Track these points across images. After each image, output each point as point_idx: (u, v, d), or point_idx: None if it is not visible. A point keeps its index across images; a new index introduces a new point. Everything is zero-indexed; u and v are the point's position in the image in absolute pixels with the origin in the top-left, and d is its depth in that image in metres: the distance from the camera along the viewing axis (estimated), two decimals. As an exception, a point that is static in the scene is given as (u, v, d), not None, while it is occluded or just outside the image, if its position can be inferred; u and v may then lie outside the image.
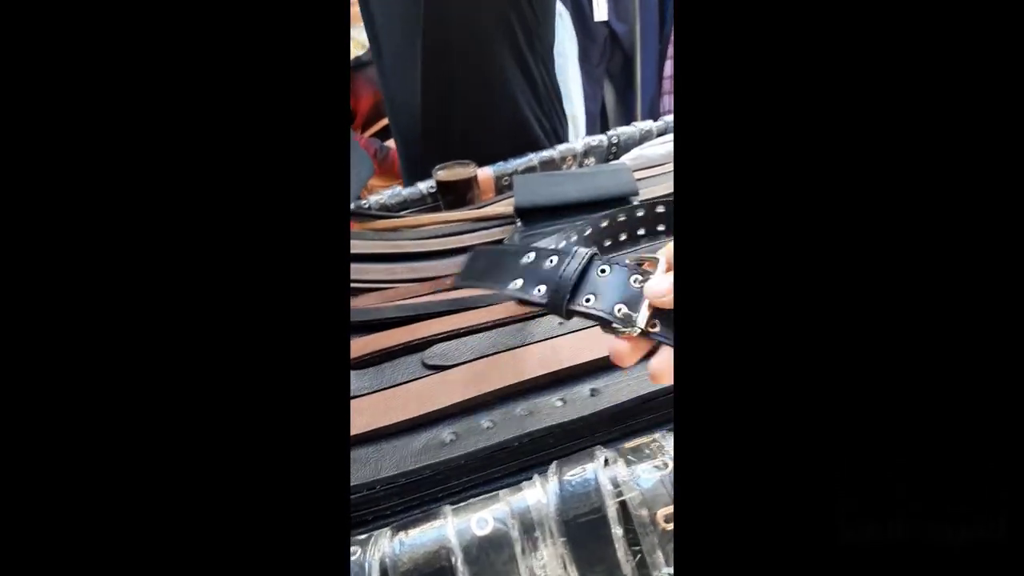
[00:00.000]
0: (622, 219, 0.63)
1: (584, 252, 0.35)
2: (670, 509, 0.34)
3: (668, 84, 1.98)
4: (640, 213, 0.64)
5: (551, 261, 0.35)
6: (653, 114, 1.94)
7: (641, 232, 0.64)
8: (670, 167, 0.85)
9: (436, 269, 0.66)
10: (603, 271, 0.34)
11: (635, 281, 0.33)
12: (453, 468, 0.39)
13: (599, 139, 0.94)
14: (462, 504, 0.35)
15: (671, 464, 0.35)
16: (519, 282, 0.36)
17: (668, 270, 0.33)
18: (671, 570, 0.34)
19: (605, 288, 0.33)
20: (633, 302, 0.32)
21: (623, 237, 0.64)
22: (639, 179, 0.78)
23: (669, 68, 1.97)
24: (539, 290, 0.34)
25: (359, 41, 1.39)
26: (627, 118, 1.93)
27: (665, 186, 0.78)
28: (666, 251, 0.33)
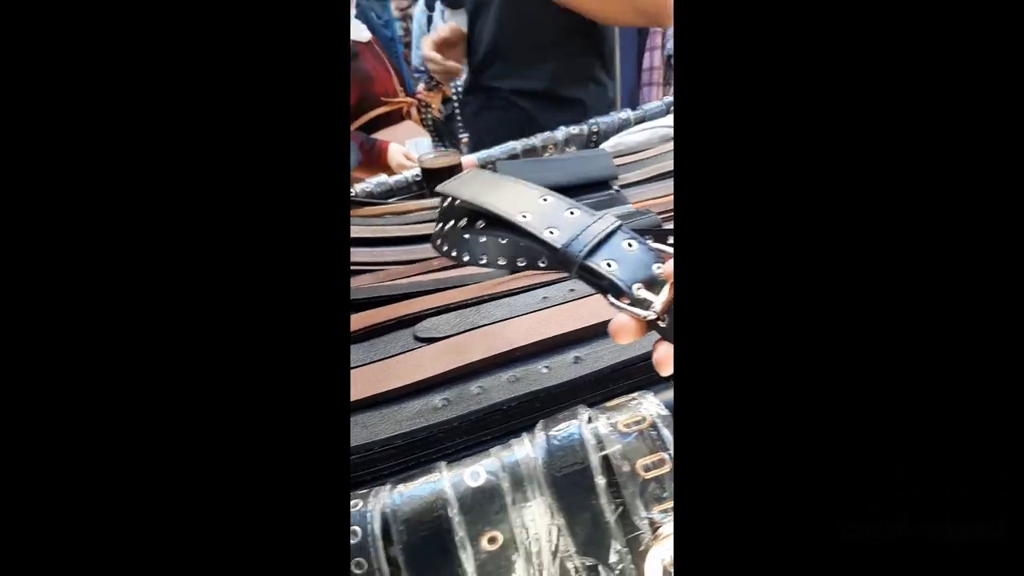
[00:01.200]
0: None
1: (612, 217, 0.34)
2: (648, 459, 0.37)
3: (646, 76, 2.01)
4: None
5: (571, 212, 0.34)
6: (632, 106, 1.97)
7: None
8: (648, 153, 0.87)
9: (423, 252, 0.68)
10: (630, 244, 0.33)
11: (657, 267, 0.32)
12: (446, 430, 0.41)
13: (580, 128, 0.97)
14: (456, 462, 0.37)
15: (648, 420, 0.37)
16: (529, 216, 0.34)
17: None
18: (650, 515, 0.36)
19: (628, 260, 0.32)
20: (652, 286, 0.31)
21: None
22: (618, 164, 0.81)
23: (647, 60, 2.01)
24: (551, 231, 0.33)
25: None
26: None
27: (641, 171, 0.81)
28: None
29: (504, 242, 0.42)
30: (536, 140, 0.94)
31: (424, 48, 1.16)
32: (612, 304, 0.32)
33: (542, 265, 0.40)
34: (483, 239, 0.43)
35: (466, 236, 0.41)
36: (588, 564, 0.37)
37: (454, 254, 0.42)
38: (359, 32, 1.43)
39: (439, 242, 0.43)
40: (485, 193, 0.37)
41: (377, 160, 1.34)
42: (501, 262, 0.42)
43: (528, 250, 0.40)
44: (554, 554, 0.38)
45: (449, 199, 0.42)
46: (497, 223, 0.37)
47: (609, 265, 0.32)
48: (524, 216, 0.34)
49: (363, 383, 0.45)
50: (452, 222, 0.41)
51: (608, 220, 0.34)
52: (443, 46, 1.12)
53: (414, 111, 1.59)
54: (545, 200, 0.35)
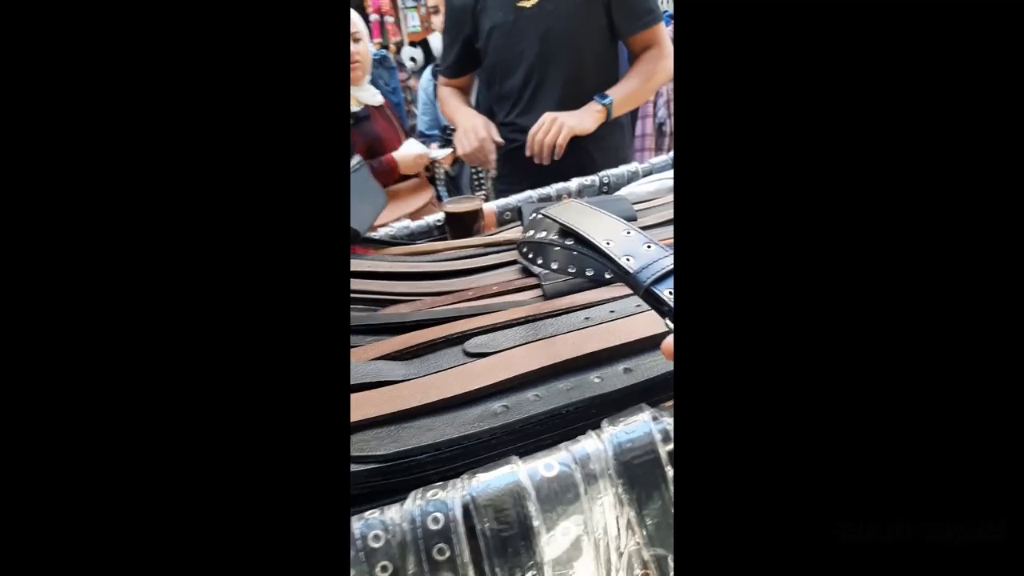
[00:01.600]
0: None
1: None
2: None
3: (638, 143, 2.12)
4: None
5: (647, 246, 0.41)
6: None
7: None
8: (658, 201, 0.92)
9: (455, 286, 0.71)
10: None
11: None
12: (509, 432, 0.43)
13: (591, 179, 1.02)
14: (527, 456, 0.39)
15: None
16: (612, 244, 0.42)
17: None
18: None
19: None
20: None
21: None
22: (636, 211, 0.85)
23: (639, 128, 2.12)
24: (628, 259, 0.40)
25: (356, 98, 1.47)
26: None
27: (655, 216, 0.86)
28: None
29: (576, 254, 0.50)
30: (551, 190, 0.99)
31: (470, 143, 1.20)
32: (668, 326, 0.37)
33: (607, 277, 0.52)
34: (557, 248, 0.53)
35: (548, 247, 0.51)
36: (658, 555, 0.38)
37: (530, 256, 0.54)
38: (374, 96, 1.50)
39: (524, 249, 0.54)
40: (581, 220, 0.46)
41: (389, 174, 1.39)
42: (571, 270, 0.52)
43: (595, 263, 0.49)
44: (621, 547, 0.39)
45: (537, 216, 0.52)
46: (584, 244, 0.44)
47: (671, 294, 0.38)
48: (608, 243, 0.42)
49: (419, 392, 0.47)
50: (544, 233, 0.50)
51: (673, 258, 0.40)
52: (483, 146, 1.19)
53: (422, 172, 1.65)
54: (628, 233, 0.43)
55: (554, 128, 1.12)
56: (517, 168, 1.24)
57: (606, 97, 1.19)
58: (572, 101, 1.19)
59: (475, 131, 1.19)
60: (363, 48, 1.44)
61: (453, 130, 1.71)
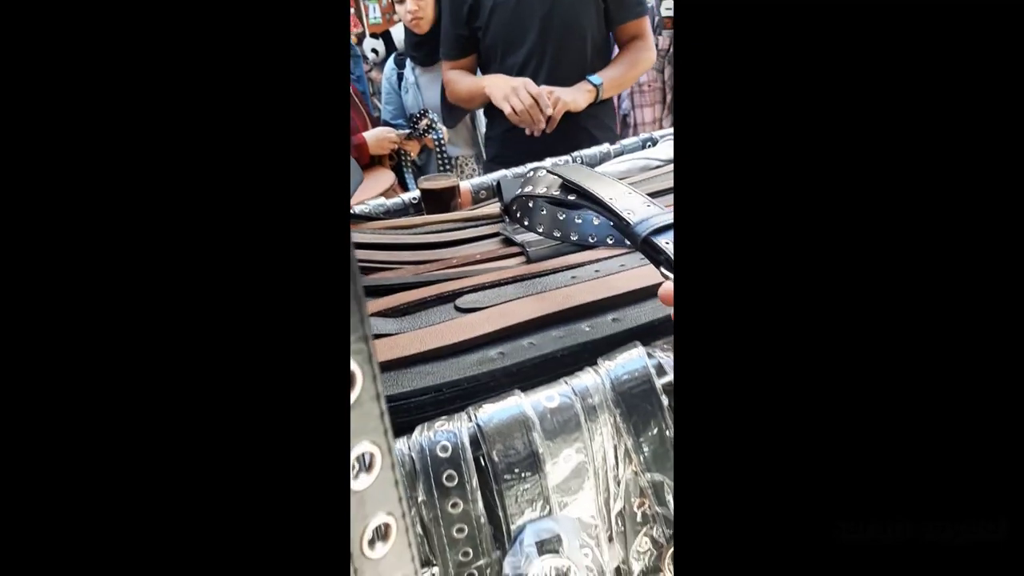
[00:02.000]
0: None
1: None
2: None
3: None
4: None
5: (647, 205, 0.44)
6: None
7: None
8: (634, 179, 0.95)
9: (438, 256, 0.72)
10: None
11: None
12: (507, 375, 0.44)
13: (564, 158, 1.04)
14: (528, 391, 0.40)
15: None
16: (615, 201, 0.45)
17: None
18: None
19: None
20: None
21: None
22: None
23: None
24: (629, 213, 0.44)
25: None
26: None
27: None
28: None
29: (562, 218, 0.54)
30: (524, 168, 1.01)
31: (521, 99, 1.15)
32: (663, 274, 0.41)
33: (591, 241, 0.58)
34: (544, 212, 0.59)
35: (533, 207, 0.56)
36: (656, 480, 0.40)
37: (519, 216, 0.57)
38: None
39: (514, 207, 0.58)
40: (586, 179, 0.49)
41: (360, 154, 1.39)
42: (556, 234, 0.57)
43: (580, 228, 0.58)
44: (619, 475, 0.40)
45: (535, 173, 0.56)
46: (587, 199, 0.48)
47: (667, 244, 0.41)
48: (611, 199, 0.46)
49: (416, 342, 0.48)
50: (544, 189, 0.53)
51: (671, 213, 0.43)
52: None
53: (385, 158, 1.65)
54: (629, 193, 0.46)
55: (551, 100, 1.14)
56: (513, 150, 1.25)
57: (598, 79, 1.23)
58: (568, 83, 1.22)
59: (524, 86, 1.15)
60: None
61: (419, 118, 1.71)
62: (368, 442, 0.19)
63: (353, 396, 0.19)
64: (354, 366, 0.19)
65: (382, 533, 0.21)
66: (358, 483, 0.20)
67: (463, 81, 1.33)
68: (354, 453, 0.19)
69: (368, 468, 0.20)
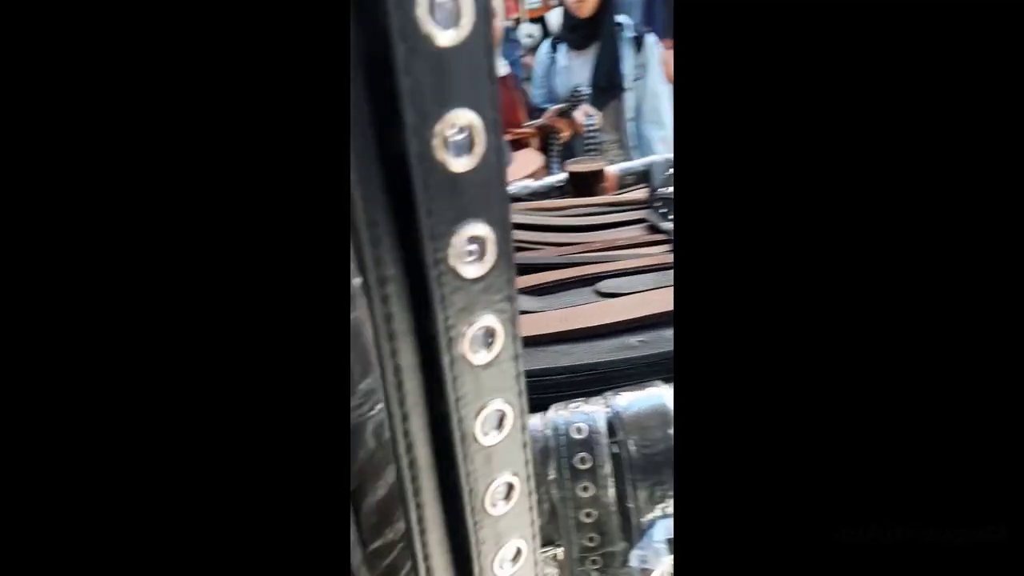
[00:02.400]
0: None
1: None
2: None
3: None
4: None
5: None
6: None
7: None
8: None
9: (581, 239, 0.71)
10: None
11: None
12: (646, 364, 0.43)
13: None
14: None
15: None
16: None
17: None
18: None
19: None
20: None
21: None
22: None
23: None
24: None
25: None
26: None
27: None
28: None
29: None
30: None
31: None
32: None
33: None
34: None
35: None
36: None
37: (663, 211, 0.58)
38: (499, 67, 1.53)
39: (659, 204, 0.58)
40: None
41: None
42: None
43: None
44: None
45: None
46: None
47: None
48: None
49: (555, 321, 0.47)
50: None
51: None
52: None
53: (533, 140, 1.66)
54: None
55: None
56: None
57: None
58: None
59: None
60: (496, 24, 1.47)
61: (578, 97, 1.69)
62: (502, 400, 0.19)
63: (493, 353, 0.19)
64: (497, 323, 0.18)
65: (504, 493, 0.21)
66: (487, 439, 0.20)
67: None
68: (488, 410, 0.19)
69: (499, 426, 0.20)
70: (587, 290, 0.53)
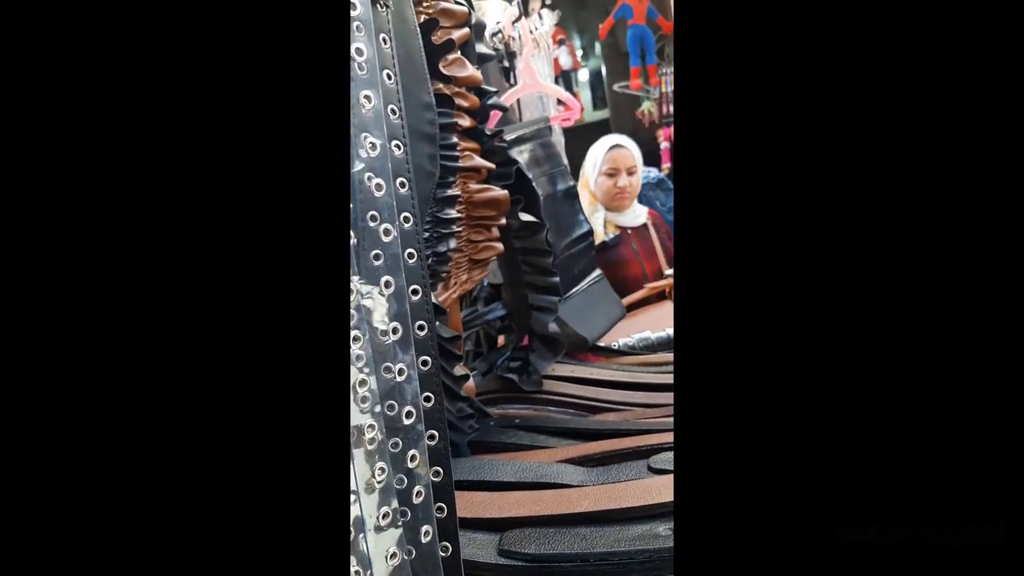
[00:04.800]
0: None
1: None
2: None
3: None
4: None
5: None
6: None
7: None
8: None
9: (668, 398, 0.68)
10: None
11: None
12: (664, 558, 0.39)
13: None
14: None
15: None
16: None
17: None
18: None
19: None
20: None
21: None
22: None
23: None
24: None
25: (613, 223, 1.52)
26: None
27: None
28: None
29: None
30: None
31: None
32: None
33: None
34: None
35: None
36: None
37: None
38: (636, 218, 1.51)
39: None
40: None
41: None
42: None
43: None
44: None
45: None
46: None
47: None
48: None
49: (587, 499, 0.46)
50: None
51: None
52: None
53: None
54: None
55: None
56: None
57: None
58: None
59: None
60: (635, 179, 1.48)
61: None
62: None
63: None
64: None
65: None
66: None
67: None
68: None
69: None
70: (641, 464, 0.51)
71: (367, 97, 0.27)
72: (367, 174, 0.28)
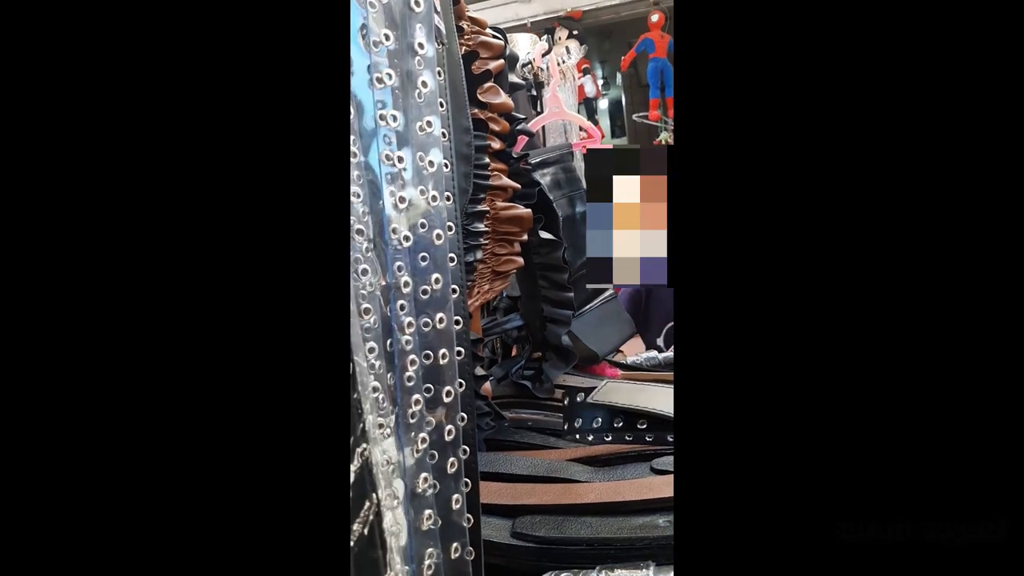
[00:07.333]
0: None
1: None
2: None
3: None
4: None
5: None
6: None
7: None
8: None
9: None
10: None
11: None
12: (662, 545, 0.43)
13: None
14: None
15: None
16: None
17: None
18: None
19: None
20: None
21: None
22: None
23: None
24: None
25: None
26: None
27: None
28: None
29: None
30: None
31: None
32: None
33: None
34: None
35: None
36: None
37: None
38: None
39: None
40: None
41: None
42: None
43: None
44: None
45: None
46: None
47: None
48: None
49: (593, 492, 0.50)
50: None
51: None
52: None
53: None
54: None
55: None
56: None
57: None
58: None
59: None
60: None
61: None
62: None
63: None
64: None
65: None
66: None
67: None
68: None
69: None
70: (644, 465, 0.55)
71: (429, 123, 0.32)
72: (420, 187, 0.33)
